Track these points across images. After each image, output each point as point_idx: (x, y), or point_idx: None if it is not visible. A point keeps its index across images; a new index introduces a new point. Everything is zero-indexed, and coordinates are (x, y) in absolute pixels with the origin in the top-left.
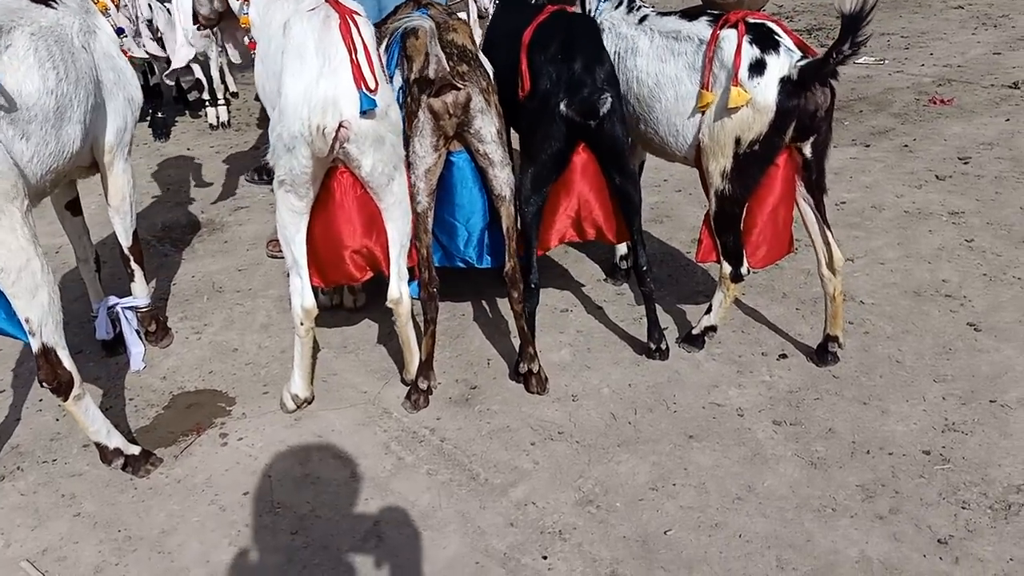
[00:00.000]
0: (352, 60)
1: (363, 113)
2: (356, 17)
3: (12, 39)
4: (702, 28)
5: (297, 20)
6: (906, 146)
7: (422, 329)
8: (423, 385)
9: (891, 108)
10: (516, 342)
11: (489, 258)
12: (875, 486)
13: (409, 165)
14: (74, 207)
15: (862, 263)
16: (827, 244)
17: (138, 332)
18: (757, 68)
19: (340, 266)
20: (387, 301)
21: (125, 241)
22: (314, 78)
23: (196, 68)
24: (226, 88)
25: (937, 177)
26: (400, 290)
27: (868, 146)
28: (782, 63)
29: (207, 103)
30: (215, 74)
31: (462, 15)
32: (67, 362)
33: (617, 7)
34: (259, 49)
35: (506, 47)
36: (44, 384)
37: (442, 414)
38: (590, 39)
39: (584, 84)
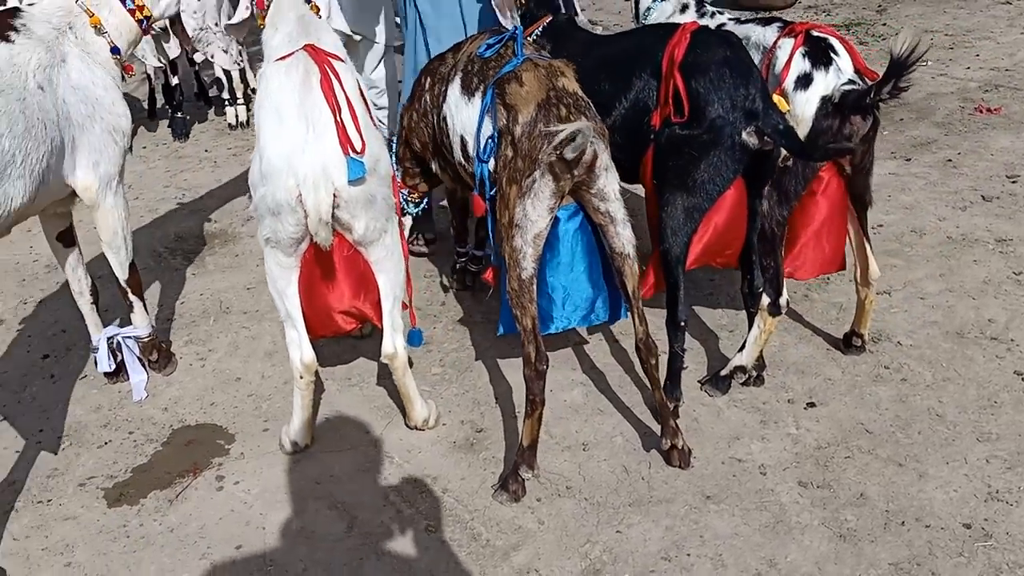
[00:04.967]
0: (337, 122)
1: (351, 181)
2: (337, 65)
3: None
4: (769, 35)
5: (274, 73)
6: (950, 160)
7: (526, 409)
8: (526, 474)
9: (934, 116)
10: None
11: (601, 313)
12: (910, 565)
13: (515, 227)
14: (66, 238)
15: (900, 297)
16: (864, 258)
17: (140, 360)
18: (803, 82)
19: (329, 324)
20: (382, 356)
21: (122, 274)
22: (299, 146)
23: (217, 65)
24: (246, 85)
25: (983, 198)
26: (395, 344)
27: (909, 160)
28: (828, 82)
29: (227, 102)
30: (234, 71)
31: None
32: None
33: (683, 10)
34: None
35: (612, 72)
36: None
37: (445, 460)
38: (747, 56)
39: (769, 109)
